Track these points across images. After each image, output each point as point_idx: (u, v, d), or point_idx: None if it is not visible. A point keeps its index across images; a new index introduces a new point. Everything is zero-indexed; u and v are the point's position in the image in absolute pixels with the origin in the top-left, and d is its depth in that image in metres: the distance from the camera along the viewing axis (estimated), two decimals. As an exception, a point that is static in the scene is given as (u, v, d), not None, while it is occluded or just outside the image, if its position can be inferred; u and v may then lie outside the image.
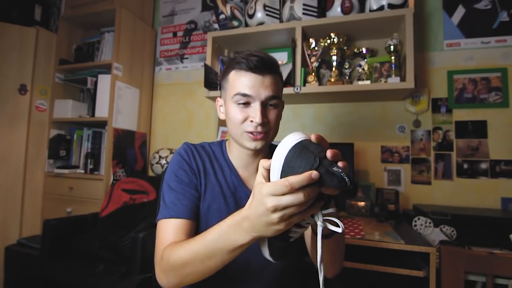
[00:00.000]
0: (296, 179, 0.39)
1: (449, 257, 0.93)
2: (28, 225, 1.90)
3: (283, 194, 0.40)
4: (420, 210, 1.34)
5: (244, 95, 0.67)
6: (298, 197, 0.39)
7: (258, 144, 0.69)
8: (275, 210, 0.41)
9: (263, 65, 0.67)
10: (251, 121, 0.67)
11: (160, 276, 0.59)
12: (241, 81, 0.67)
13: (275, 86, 0.69)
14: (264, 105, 0.68)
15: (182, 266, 0.55)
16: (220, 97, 0.78)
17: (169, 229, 0.64)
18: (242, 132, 0.69)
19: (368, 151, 1.68)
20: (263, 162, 0.47)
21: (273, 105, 0.69)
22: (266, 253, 0.51)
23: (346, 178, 0.39)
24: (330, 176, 0.39)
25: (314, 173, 0.39)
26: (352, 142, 1.57)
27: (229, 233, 0.49)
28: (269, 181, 0.45)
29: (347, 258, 0.88)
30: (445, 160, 1.56)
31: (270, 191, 0.40)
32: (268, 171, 0.45)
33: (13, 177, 1.84)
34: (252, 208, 0.44)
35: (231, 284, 0.72)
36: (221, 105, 0.77)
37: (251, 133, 0.68)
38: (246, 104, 0.68)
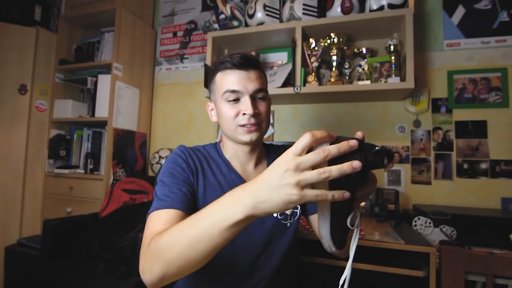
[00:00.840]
0: (334, 146, 0.38)
1: (449, 257, 0.93)
2: (28, 225, 1.90)
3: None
4: (420, 210, 1.34)
5: (233, 91, 0.70)
6: (318, 154, 0.37)
7: (253, 136, 0.71)
8: (296, 169, 0.38)
9: (246, 61, 0.70)
10: (243, 114, 0.70)
11: (143, 266, 0.52)
12: (228, 79, 0.71)
13: (261, 80, 0.73)
14: (253, 98, 0.71)
15: (168, 249, 0.48)
16: (210, 101, 0.80)
17: (160, 219, 0.60)
18: (236, 127, 0.71)
19: (368, 151, 1.68)
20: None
21: (261, 98, 0.73)
22: (332, 245, 0.47)
23: (391, 150, 0.40)
24: (377, 156, 0.39)
25: (352, 141, 0.38)
26: (352, 142, 1.57)
27: (225, 206, 0.44)
28: None
29: (346, 258, 0.88)
30: (445, 160, 1.56)
31: (294, 150, 0.39)
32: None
33: (13, 177, 1.84)
34: (264, 175, 0.41)
35: (233, 282, 0.72)
36: (212, 109, 0.80)
37: (245, 126, 0.70)
38: (236, 100, 0.71)
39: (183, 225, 0.49)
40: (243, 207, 0.42)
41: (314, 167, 0.38)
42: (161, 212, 0.62)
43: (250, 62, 0.71)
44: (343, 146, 0.38)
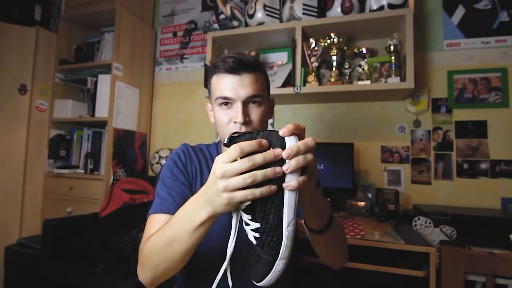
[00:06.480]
0: (246, 143, 0.41)
1: (449, 257, 0.93)
2: (28, 225, 1.90)
3: (233, 161, 0.42)
4: (420, 210, 1.34)
5: (225, 97, 0.68)
6: (244, 163, 0.40)
7: None
8: (223, 176, 0.42)
9: (239, 65, 0.66)
10: (235, 122, 0.68)
11: (139, 270, 0.60)
12: (221, 84, 0.68)
13: (255, 84, 0.68)
14: (246, 104, 0.68)
15: (152, 254, 0.55)
16: (209, 101, 0.79)
17: (156, 223, 0.64)
18: (228, 134, 0.70)
19: (368, 151, 1.68)
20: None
21: (256, 103, 0.69)
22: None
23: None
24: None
25: (277, 151, 0.41)
26: (352, 142, 1.57)
27: (189, 210, 0.50)
28: None
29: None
30: (445, 160, 1.56)
31: (223, 159, 0.42)
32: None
33: (13, 177, 1.84)
34: (208, 181, 0.46)
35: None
36: (211, 110, 0.79)
37: None
38: (229, 105, 0.69)
39: (160, 231, 0.55)
40: (203, 210, 0.47)
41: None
42: (158, 216, 0.66)
43: (244, 66, 0.67)
44: (268, 155, 0.41)
